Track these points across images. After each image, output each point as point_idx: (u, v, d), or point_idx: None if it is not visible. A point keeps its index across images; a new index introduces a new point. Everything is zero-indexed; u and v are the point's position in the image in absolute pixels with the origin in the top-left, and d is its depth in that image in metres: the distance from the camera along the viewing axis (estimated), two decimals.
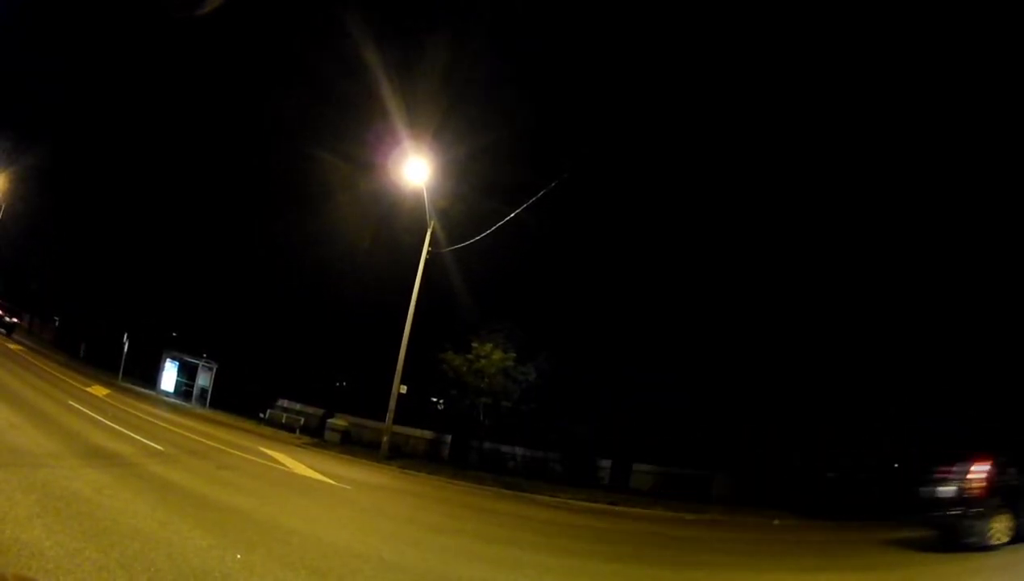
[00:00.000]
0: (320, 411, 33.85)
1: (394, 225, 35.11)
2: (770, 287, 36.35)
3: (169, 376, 36.96)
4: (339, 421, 31.26)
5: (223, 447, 18.99)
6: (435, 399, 37.53)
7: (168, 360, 37.11)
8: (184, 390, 36.36)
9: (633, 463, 30.66)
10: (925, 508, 13.52)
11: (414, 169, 26.27)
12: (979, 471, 12.48)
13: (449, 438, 31.65)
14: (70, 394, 22.64)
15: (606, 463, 31.19)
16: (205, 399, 35.74)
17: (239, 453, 18.40)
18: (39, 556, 5.81)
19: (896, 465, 36.90)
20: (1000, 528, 12.11)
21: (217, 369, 36.62)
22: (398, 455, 28.06)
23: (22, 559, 5.67)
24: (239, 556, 7.18)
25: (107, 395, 26.67)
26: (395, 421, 26.94)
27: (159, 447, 15.39)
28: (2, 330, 41.56)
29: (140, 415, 22.41)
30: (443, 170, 28.44)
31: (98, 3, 57.14)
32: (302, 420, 32.53)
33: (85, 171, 49.93)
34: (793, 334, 35.19)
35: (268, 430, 30.30)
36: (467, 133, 35.06)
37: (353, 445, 29.71)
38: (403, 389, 26.65)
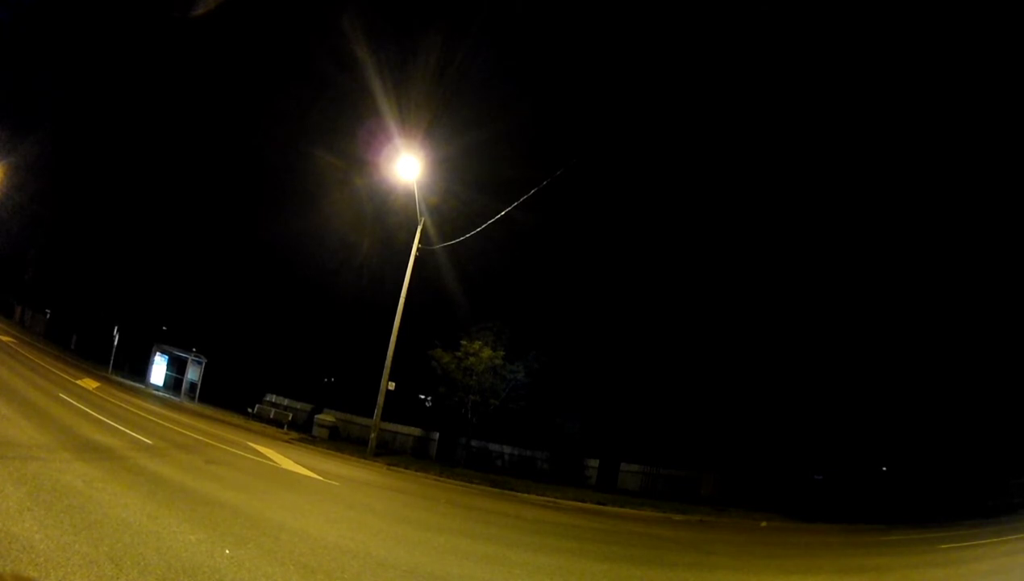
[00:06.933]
0: (308, 406, 33.85)
1: (387, 222, 35.26)
2: (759, 291, 36.60)
3: (159, 370, 36.80)
4: (327, 417, 31.25)
5: (212, 442, 18.99)
6: (423, 396, 37.55)
7: (158, 354, 36.92)
8: (173, 384, 36.23)
9: (621, 463, 30.78)
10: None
11: (406, 166, 26.17)
12: None
13: (437, 435, 31.63)
14: (61, 386, 22.59)
15: (594, 463, 31.27)
16: (194, 393, 35.59)
17: (227, 448, 18.40)
18: (29, 549, 5.84)
19: (884, 468, 37.23)
20: None
21: (206, 363, 36.48)
22: (386, 452, 28.10)
23: (13, 552, 5.70)
24: (228, 551, 7.23)
25: (97, 388, 26.62)
26: (383, 418, 26.93)
27: (149, 441, 15.40)
28: None
29: (130, 409, 22.37)
30: (436, 167, 28.52)
31: (98, 2, 57.23)
32: (290, 415, 32.44)
33: (82, 164, 50.06)
34: (784, 336, 35.43)
35: (256, 425, 30.21)
36: (460, 130, 35.31)
37: (341, 441, 29.73)
38: (391, 386, 26.59)
